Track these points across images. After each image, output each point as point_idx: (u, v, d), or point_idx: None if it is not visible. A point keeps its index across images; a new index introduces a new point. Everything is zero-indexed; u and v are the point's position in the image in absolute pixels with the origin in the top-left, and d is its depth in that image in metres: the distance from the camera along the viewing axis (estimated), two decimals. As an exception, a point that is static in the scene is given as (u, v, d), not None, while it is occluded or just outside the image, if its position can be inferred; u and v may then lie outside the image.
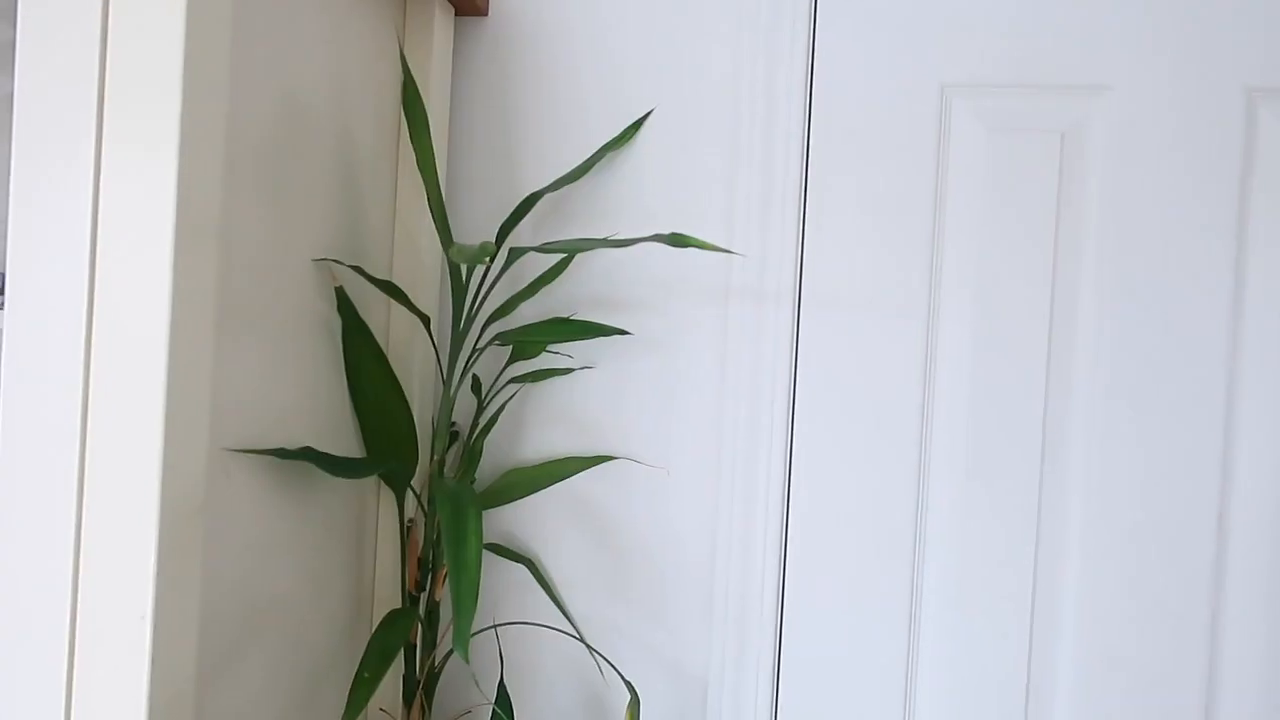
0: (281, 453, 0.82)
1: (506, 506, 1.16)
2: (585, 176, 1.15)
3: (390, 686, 1.08)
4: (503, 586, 1.15)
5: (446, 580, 1.06)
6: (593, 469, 1.14)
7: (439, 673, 1.06)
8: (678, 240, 0.81)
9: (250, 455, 0.82)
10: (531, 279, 1.15)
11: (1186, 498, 1.05)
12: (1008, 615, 1.07)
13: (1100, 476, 1.06)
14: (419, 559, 1.06)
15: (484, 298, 1.03)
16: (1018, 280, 1.08)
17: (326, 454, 0.90)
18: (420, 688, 1.04)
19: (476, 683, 1.15)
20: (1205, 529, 1.05)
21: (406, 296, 1.00)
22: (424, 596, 1.05)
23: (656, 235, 0.83)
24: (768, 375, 1.12)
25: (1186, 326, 1.05)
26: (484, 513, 1.16)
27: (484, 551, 1.14)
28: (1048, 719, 1.07)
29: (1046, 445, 1.07)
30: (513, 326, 1.14)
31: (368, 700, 0.87)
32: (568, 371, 1.14)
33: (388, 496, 1.10)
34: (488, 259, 0.83)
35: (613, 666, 1.12)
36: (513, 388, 1.15)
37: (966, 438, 1.08)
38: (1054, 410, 1.07)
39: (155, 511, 0.69)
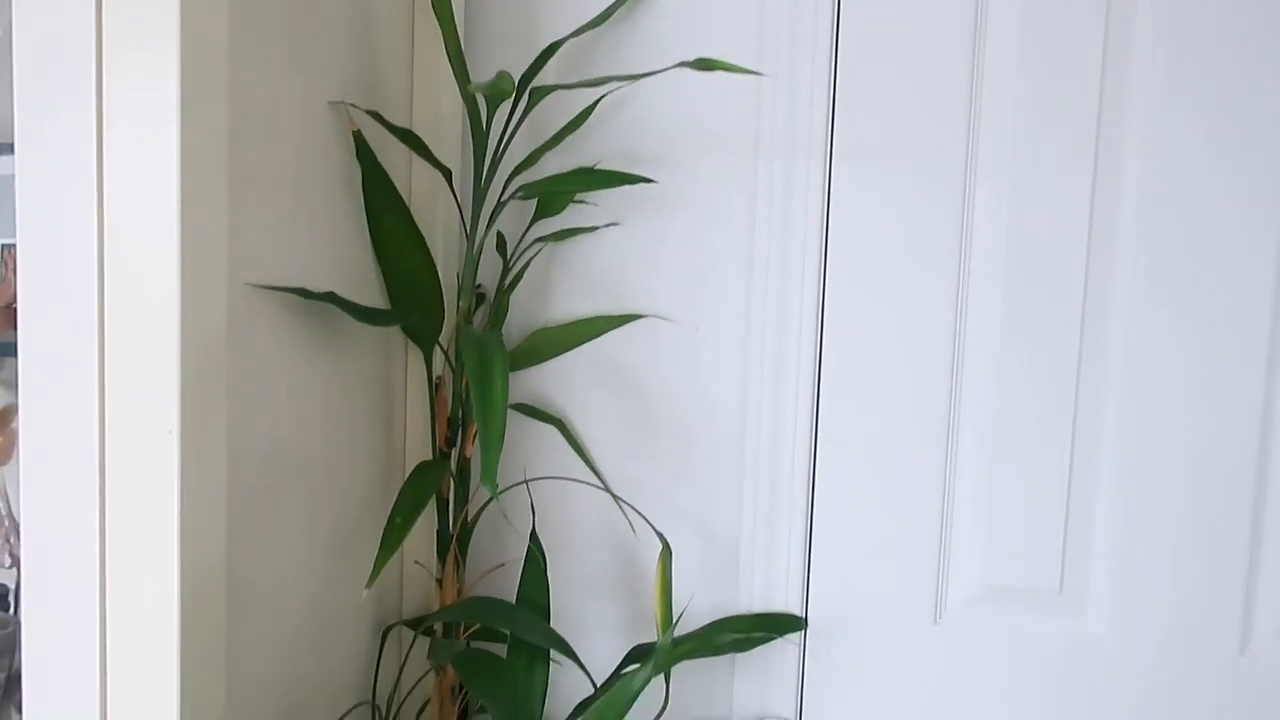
0: (304, 293, 0.81)
1: (535, 368, 1.15)
2: (607, 24, 1.11)
3: (424, 541, 1.09)
4: (532, 448, 1.15)
5: (476, 437, 1.06)
6: (621, 329, 1.13)
7: (472, 527, 1.07)
8: (704, 64, 0.78)
9: (274, 303, 0.82)
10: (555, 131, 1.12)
11: (1233, 346, 1.01)
12: (1046, 465, 1.06)
13: (1144, 325, 1.03)
14: (448, 417, 1.06)
15: (506, 145, 1.00)
16: (1063, 125, 1.03)
17: (350, 301, 0.89)
18: (454, 542, 1.05)
19: (505, 515, 1.16)
20: (1253, 378, 1.01)
21: (427, 147, 0.98)
22: (454, 453, 1.06)
23: (682, 63, 0.79)
24: (799, 229, 1.09)
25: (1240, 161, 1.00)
26: (512, 374, 1.15)
27: (513, 412, 1.14)
28: (1084, 568, 1.06)
29: (1088, 295, 1.04)
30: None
31: (400, 544, 0.88)
32: (593, 230, 1.12)
33: (415, 355, 1.09)
34: (507, 95, 0.80)
35: (643, 518, 1.12)
36: (538, 247, 1.13)
37: (1005, 290, 1.05)
38: (1096, 258, 1.04)
39: (176, 348, 0.68)
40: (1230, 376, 1.02)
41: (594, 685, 0.96)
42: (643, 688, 0.84)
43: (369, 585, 0.84)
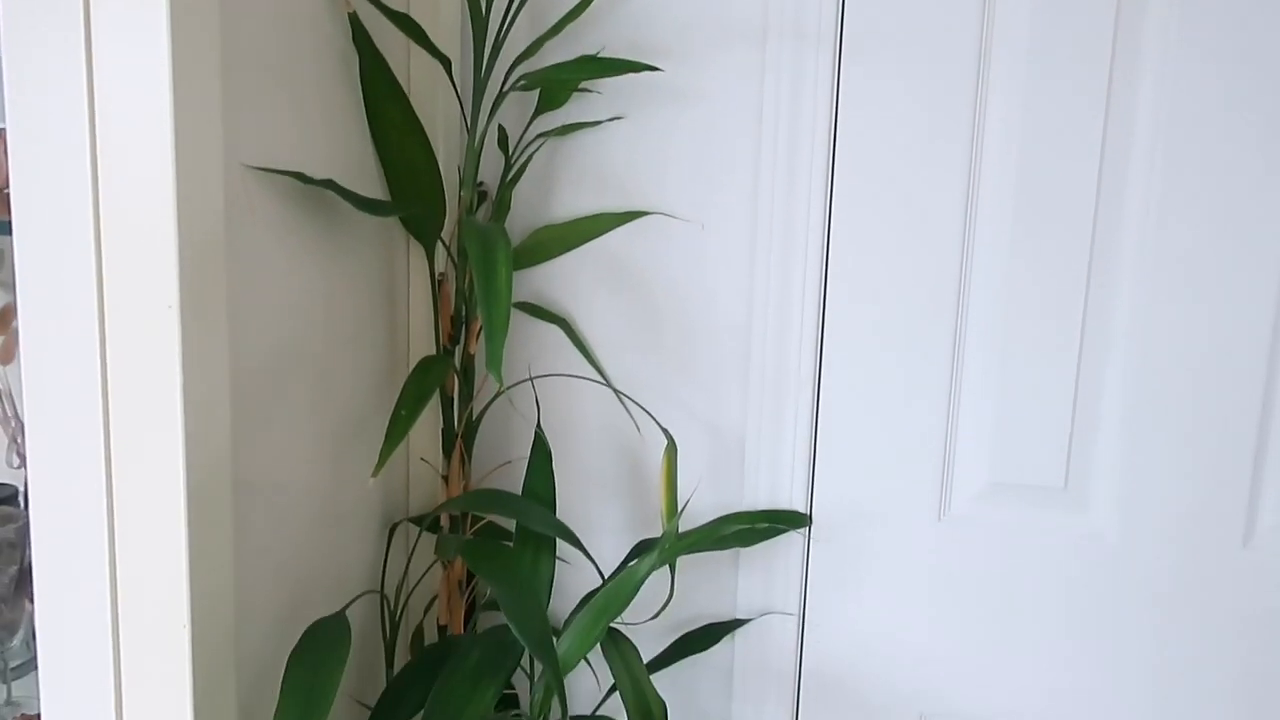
0: (302, 177, 0.79)
1: (538, 267, 1.13)
2: (611, -93, 1.06)
3: (430, 439, 1.10)
4: (537, 347, 1.15)
5: (480, 333, 1.05)
6: (626, 226, 1.11)
7: (477, 424, 1.07)
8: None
9: (271, 189, 0.80)
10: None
11: (1246, 245, 1.00)
12: (1053, 362, 1.05)
13: (1156, 224, 1.01)
14: (451, 315, 1.05)
15: (506, 33, 0.97)
16: (1079, 10, 0.99)
17: (350, 190, 0.87)
18: (459, 439, 1.05)
19: (511, 402, 1.16)
20: (1266, 276, 1.00)
21: (425, 34, 0.95)
22: (458, 351, 1.05)
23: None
24: (807, 123, 1.06)
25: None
26: (515, 273, 1.14)
27: (517, 311, 1.13)
28: (1089, 464, 1.06)
29: (1101, 190, 1.02)
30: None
31: (404, 435, 0.88)
32: (597, 124, 1.09)
33: (417, 252, 1.08)
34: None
35: (648, 414, 1.12)
36: (540, 142, 1.11)
37: (1017, 185, 1.03)
38: (1112, 152, 1.01)
39: (173, 223, 0.67)
40: (1242, 274, 1.00)
41: (602, 577, 0.97)
42: (648, 575, 0.85)
43: (374, 474, 0.84)
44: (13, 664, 1.06)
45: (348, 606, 0.83)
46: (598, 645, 1.13)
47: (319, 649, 0.76)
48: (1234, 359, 1.02)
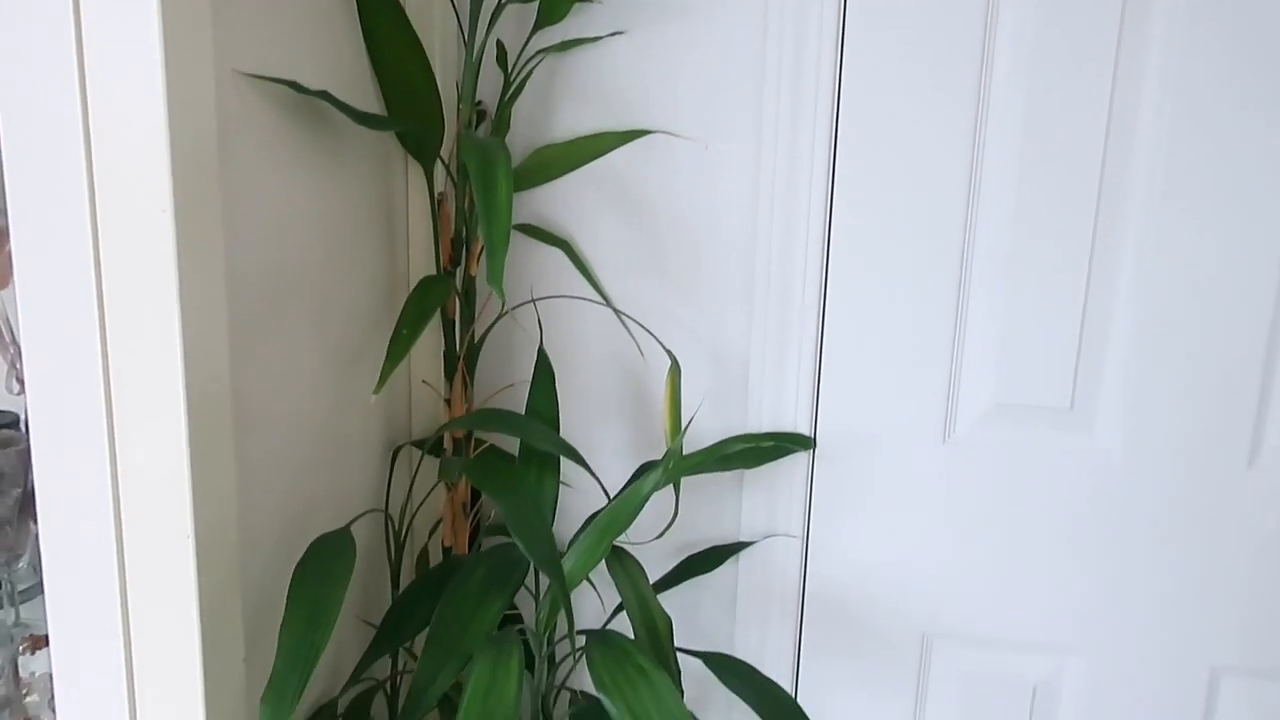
0: (297, 87, 0.77)
1: (539, 188, 1.11)
2: None
3: (432, 361, 1.09)
4: (538, 270, 1.13)
5: (481, 254, 1.04)
6: (628, 145, 1.09)
7: (479, 347, 1.06)
8: None
9: (265, 100, 0.78)
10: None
11: (1259, 171, 0.97)
12: (1062, 282, 1.03)
13: (1168, 146, 0.99)
14: (451, 236, 1.04)
15: (504, -59, 0.94)
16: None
17: (346, 103, 0.85)
18: (461, 362, 1.04)
19: (514, 317, 1.15)
20: (1274, 213, 0.98)
21: (420, -58, 0.92)
22: (459, 272, 1.04)
23: None
24: (813, 36, 1.03)
25: None
26: (516, 195, 1.12)
27: (518, 233, 1.11)
28: (1096, 384, 1.06)
29: (1113, 114, 0.99)
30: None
31: (405, 353, 0.87)
32: (597, 40, 1.07)
33: (416, 172, 1.06)
34: None
35: (652, 335, 1.11)
36: (540, 58, 1.08)
37: (1026, 104, 1.00)
38: (1124, 77, 0.99)
39: (164, 127, 0.65)
40: (1253, 195, 0.99)
41: (607, 496, 0.97)
42: (652, 492, 0.85)
43: (375, 392, 0.83)
44: (20, 587, 1.06)
45: (352, 523, 0.83)
46: (603, 565, 1.14)
47: (324, 562, 0.76)
48: (1243, 280, 1.01)
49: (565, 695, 1.09)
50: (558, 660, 1.16)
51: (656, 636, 0.85)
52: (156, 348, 0.69)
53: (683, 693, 0.84)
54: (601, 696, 0.78)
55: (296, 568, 0.75)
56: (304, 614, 0.72)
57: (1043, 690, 1.13)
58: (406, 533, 0.99)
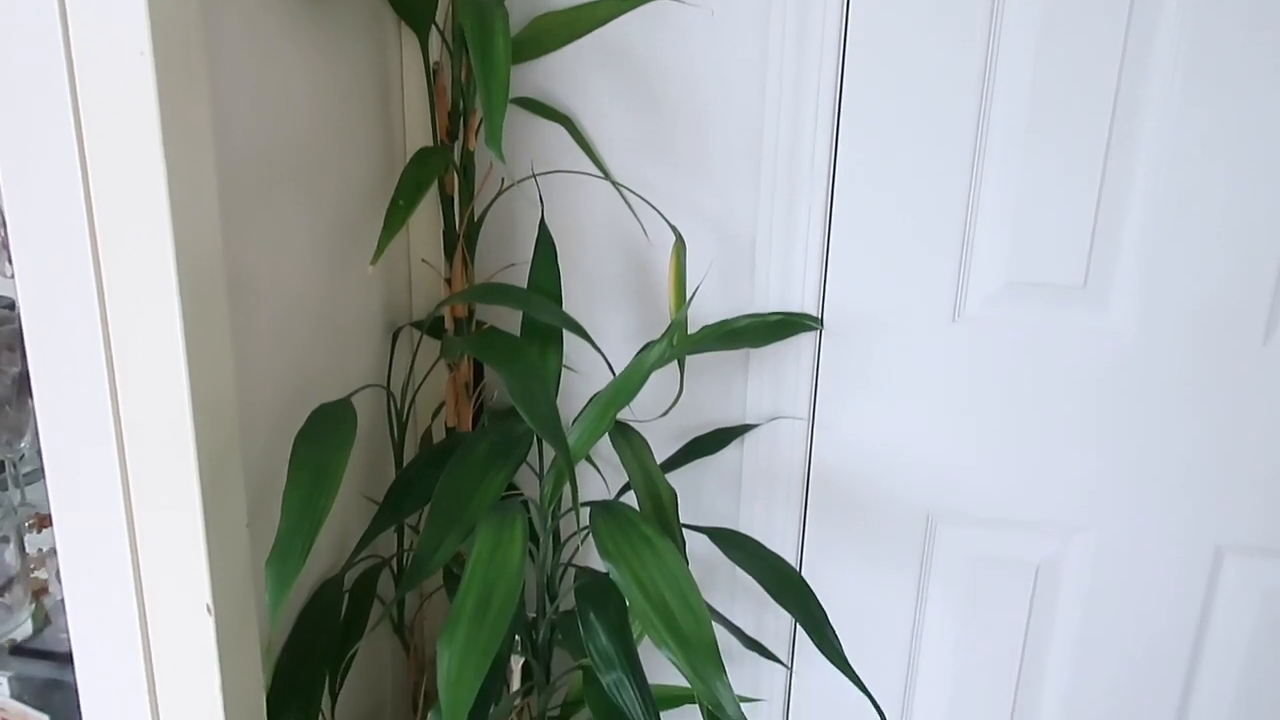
0: (280, -67, 0.73)
1: (538, 60, 1.07)
2: None
3: (431, 240, 1.06)
4: (539, 147, 1.10)
5: (479, 127, 1.01)
6: (631, 13, 1.04)
7: (479, 225, 1.04)
8: None
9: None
10: None
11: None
12: (1079, 156, 1.00)
13: (1194, 12, 0.94)
14: (449, 111, 1.00)
15: None
16: None
17: (333, -43, 0.81)
18: (461, 240, 1.02)
19: (515, 183, 1.12)
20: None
21: None
22: (457, 146, 1.00)
23: None
24: (826, -106, 0.98)
25: None
26: (514, 68, 1.08)
27: (517, 108, 1.07)
28: (1111, 261, 1.03)
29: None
30: None
31: (403, 224, 0.85)
32: (599, -101, 1.01)
33: (411, 42, 1.02)
34: None
35: (657, 211, 1.08)
36: (538, -79, 1.03)
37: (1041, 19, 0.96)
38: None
39: None
40: (1277, 71, 0.95)
41: (612, 372, 0.95)
42: (657, 363, 0.83)
43: (373, 262, 0.81)
44: (25, 470, 1.06)
45: (353, 394, 0.82)
46: (607, 445, 1.14)
47: (325, 428, 0.75)
48: (1261, 155, 0.97)
49: (571, 572, 1.10)
50: (563, 539, 1.16)
51: (661, 508, 0.85)
52: (146, 223, 0.66)
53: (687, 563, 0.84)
54: (607, 564, 0.78)
55: (298, 434, 0.74)
56: (307, 478, 0.72)
57: (1045, 569, 1.14)
58: (409, 412, 0.98)
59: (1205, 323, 1.03)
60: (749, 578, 1.19)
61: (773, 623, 1.21)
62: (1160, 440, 1.07)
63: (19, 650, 0.94)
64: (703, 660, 0.73)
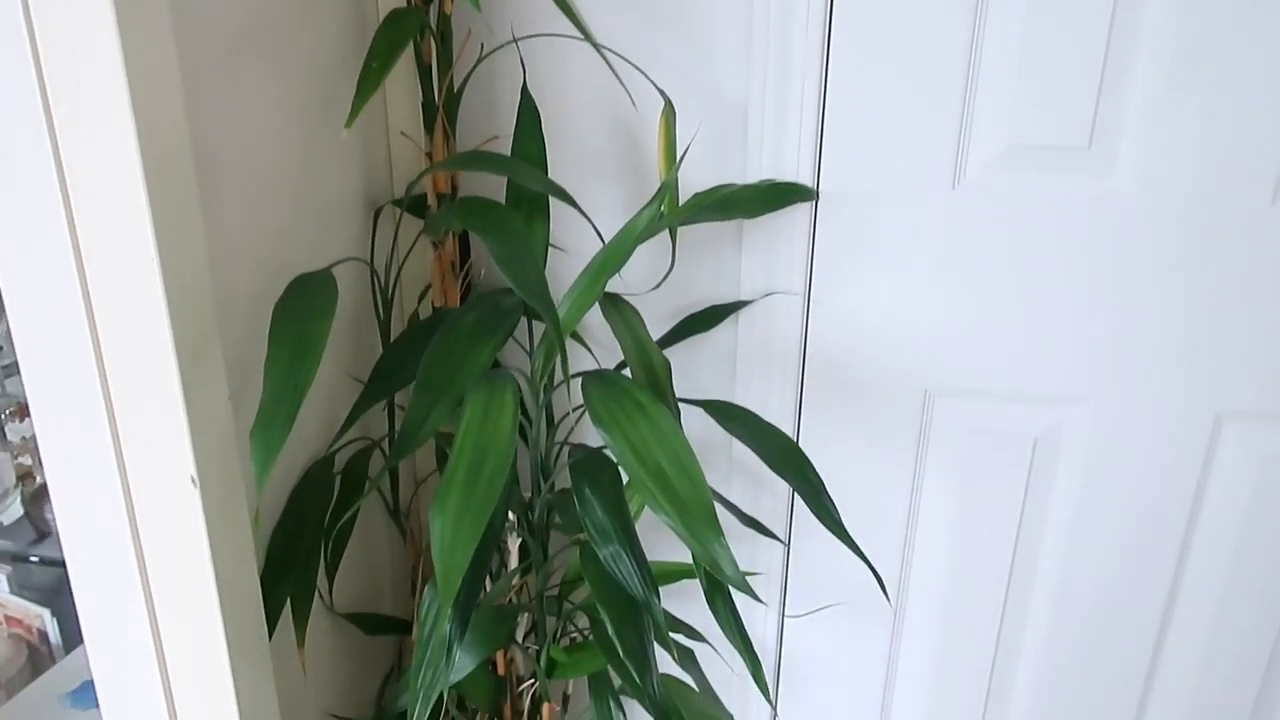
0: None
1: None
2: None
3: (409, 112, 1.02)
4: (520, 9, 1.04)
5: (455, -12, 0.95)
6: None
7: (459, 96, 0.99)
8: None
9: None
10: None
11: None
12: (1084, 12, 0.95)
13: None
14: (423, -29, 0.95)
15: None
16: None
17: None
18: (441, 111, 0.98)
19: (487, 24, 1.08)
20: None
21: None
22: (433, 9, 0.95)
23: None
24: None
25: None
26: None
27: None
28: (1117, 122, 0.99)
29: None
30: None
31: (376, 88, 0.80)
32: None
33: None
34: None
35: (643, 74, 1.03)
36: None
37: None
38: None
39: None
40: None
41: (601, 240, 0.92)
42: (648, 227, 0.80)
43: (347, 125, 0.77)
44: (3, 363, 1.04)
45: (333, 266, 0.79)
46: (599, 320, 1.11)
47: (304, 297, 0.72)
48: (1275, 12, 0.93)
49: (565, 451, 1.09)
50: (557, 421, 1.15)
51: (655, 377, 0.83)
52: (103, 97, 0.62)
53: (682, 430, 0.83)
54: (601, 432, 0.76)
55: (277, 304, 0.72)
56: (287, 348, 0.69)
57: (1044, 442, 1.13)
58: (393, 291, 0.95)
59: (1211, 185, 1.00)
60: (745, 458, 1.19)
61: (769, 502, 1.21)
62: (1162, 307, 1.05)
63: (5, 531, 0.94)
64: (700, 524, 0.72)
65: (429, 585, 0.82)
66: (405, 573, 1.18)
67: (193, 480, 0.68)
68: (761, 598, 1.24)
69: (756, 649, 1.07)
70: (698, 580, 1.23)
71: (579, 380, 0.80)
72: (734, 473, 1.20)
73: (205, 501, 0.68)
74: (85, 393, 0.69)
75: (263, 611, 0.77)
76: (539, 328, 0.99)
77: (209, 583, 0.70)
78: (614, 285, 1.12)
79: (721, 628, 0.89)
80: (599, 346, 1.16)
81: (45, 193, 0.65)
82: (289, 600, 0.86)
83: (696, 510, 0.73)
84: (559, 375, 1.05)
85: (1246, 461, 1.10)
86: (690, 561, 1.11)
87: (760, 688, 0.90)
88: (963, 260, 1.06)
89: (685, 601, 1.27)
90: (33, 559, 1.13)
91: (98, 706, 0.78)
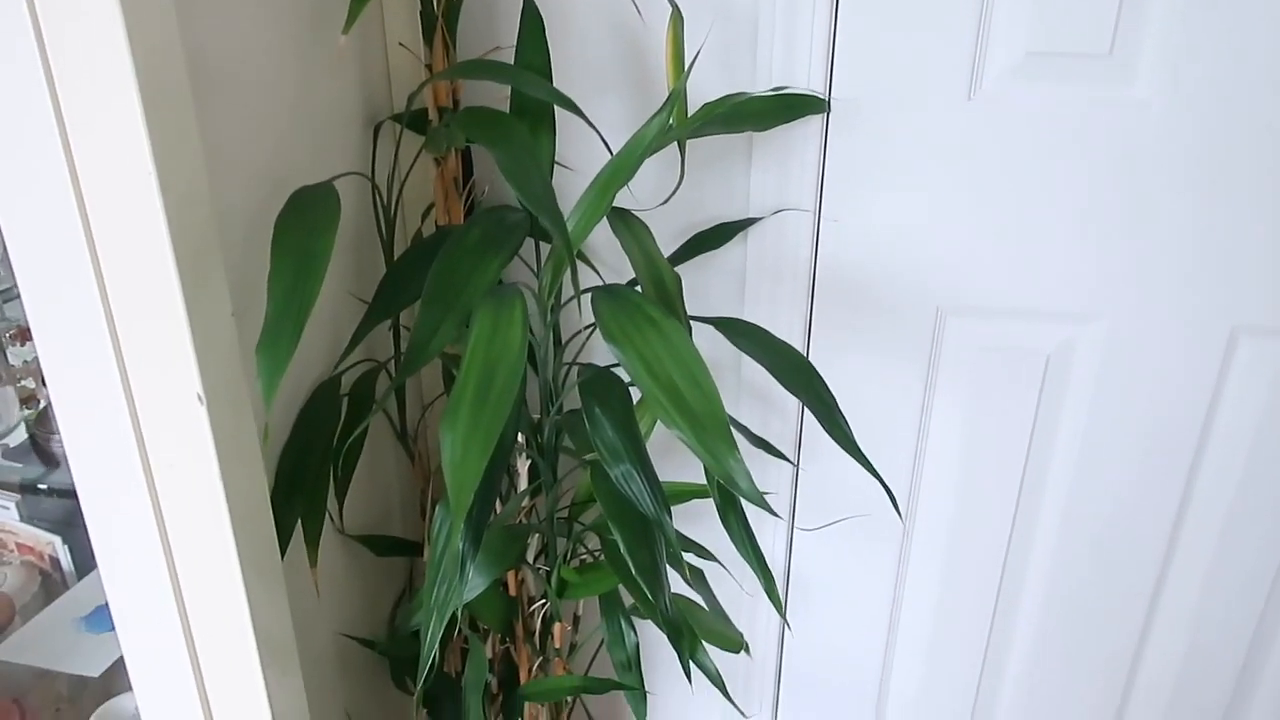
0: None
1: None
2: None
3: (408, 22, 0.98)
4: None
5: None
6: None
7: (459, 4, 0.96)
8: None
9: None
10: None
11: None
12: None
13: None
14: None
15: None
16: None
17: None
18: (440, 21, 0.94)
19: None
20: None
21: None
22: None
23: None
24: None
25: None
26: None
27: None
28: (1139, 27, 0.96)
29: None
30: None
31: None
32: None
33: None
34: None
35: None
36: None
37: None
38: None
39: None
40: None
41: (609, 151, 0.90)
42: (657, 137, 0.78)
43: (344, 31, 0.74)
44: (2, 286, 1.02)
45: (334, 179, 0.77)
46: (607, 235, 1.10)
47: (306, 210, 0.70)
48: None
49: (575, 373, 1.08)
50: (565, 341, 1.14)
51: (665, 291, 0.82)
52: (95, 9, 0.59)
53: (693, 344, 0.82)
54: (611, 347, 0.75)
55: (279, 218, 0.70)
56: (290, 262, 0.68)
57: (1056, 359, 1.12)
58: (396, 207, 0.93)
59: (1235, 93, 0.97)
60: (754, 379, 1.18)
61: (778, 424, 1.21)
62: (1180, 220, 1.03)
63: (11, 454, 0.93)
64: (714, 437, 0.71)
65: (440, 504, 0.81)
66: (414, 496, 1.18)
67: (199, 398, 0.67)
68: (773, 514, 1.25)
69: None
70: (707, 500, 1.23)
71: (589, 299, 0.79)
72: (743, 394, 1.20)
73: (212, 419, 0.67)
74: (87, 313, 0.68)
75: (274, 530, 0.76)
76: (546, 250, 0.97)
77: (219, 500, 0.70)
78: (623, 201, 1.09)
79: (734, 543, 0.88)
80: (606, 268, 1.14)
81: (38, 110, 0.62)
82: (300, 521, 0.85)
83: (711, 424, 0.72)
84: (567, 293, 1.03)
85: (1260, 376, 1.09)
86: (700, 482, 1.11)
87: (773, 601, 0.90)
88: (977, 174, 1.04)
89: (694, 523, 1.27)
90: (41, 488, 1.13)
91: (113, 629, 0.79)
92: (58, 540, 1.18)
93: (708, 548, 1.09)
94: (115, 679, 0.97)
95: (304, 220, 0.70)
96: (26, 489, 1.12)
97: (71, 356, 0.69)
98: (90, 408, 0.70)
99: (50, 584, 1.20)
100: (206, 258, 0.67)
